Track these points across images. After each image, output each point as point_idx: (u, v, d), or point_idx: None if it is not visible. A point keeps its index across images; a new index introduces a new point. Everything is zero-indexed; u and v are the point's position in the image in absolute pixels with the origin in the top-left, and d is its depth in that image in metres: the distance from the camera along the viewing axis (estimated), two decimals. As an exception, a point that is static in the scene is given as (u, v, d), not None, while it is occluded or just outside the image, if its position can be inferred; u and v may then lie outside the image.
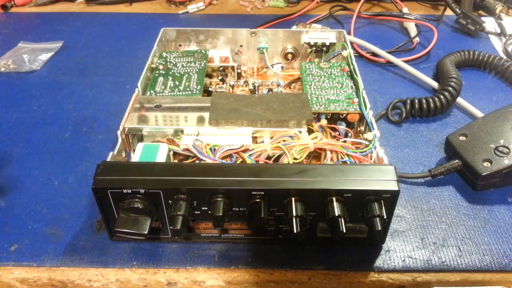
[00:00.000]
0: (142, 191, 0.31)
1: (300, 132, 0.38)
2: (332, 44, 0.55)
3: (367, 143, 0.39)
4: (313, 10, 0.78)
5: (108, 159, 0.35)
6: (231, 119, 0.39)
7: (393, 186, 0.31)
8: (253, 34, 0.55)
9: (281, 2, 0.79)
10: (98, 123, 0.50)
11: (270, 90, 0.51)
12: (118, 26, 0.72)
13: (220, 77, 0.53)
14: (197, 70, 0.49)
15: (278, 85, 0.52)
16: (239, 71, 0.55)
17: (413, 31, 0.69)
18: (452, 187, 0.42)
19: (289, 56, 0.56)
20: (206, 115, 0.40)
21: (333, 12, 0.75)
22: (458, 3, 0.73)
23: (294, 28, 0.66)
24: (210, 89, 0.51)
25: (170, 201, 0.32)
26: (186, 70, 0.49)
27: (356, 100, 0.44)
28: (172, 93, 0.45)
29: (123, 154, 0.38)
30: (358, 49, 0.64)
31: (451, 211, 0.40)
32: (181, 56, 0.51)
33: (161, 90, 0.45)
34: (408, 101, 0.51)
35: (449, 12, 0.73)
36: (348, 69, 0.49)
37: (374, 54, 0.63)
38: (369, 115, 0.41)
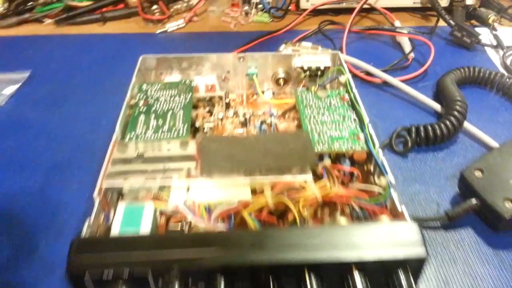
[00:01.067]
0: (126, 273, 0.26)
1: (305, 181, 0.34)
2: (327, 68, 0.50)
3: (381, 190, 0.34)
4: (300, 25, 0.74)
5: (84, 230, 0.29)
6: (225, 169, 0.35)
7: (420, 252, 0.27)
8: (241, 59, 0.51)
9: (266, 17, 0.75)
10: (73, 168, 0.44)
11: (263, 122, 0.47)
12: (91, 50, 0.66)
13: (207, 108, 0.48)
14: (182, 105, 0.44)
15: (271, 115, 0.48)
16: (227, 100, 0.50)
17: (407, 45, 0.65)
18: (471, 229, 0.38)
19: (281, 81, 0.52)
20: (196, 163, 0.35)
21: (322, 27, 0.71)
22: (449, 13, 0.70)
23: (282, 47, 0.62)
24: (197, 124, 0.46)
25: (160, 282, 0.27)
26: (170, 106, 0.44)
27: (361, 136, 0.39)
28: (156, 134, 0.40)
29: (102, 216, 0.33)
30: (351, 68, 0.60)
31: (474, 259, 0.36)
32: (163, 89, 0.46)
33: (143, 132, 0.40)
34: (413, 129, 0.47)
35: (441, 23, 0.70)
36: (348, 98, 0.45)
37: (368, 73, 0.59)
38: (379, 154, 0.37)
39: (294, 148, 0.37)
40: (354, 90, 0.44)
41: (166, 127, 0.41)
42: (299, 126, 0.47)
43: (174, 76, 0.51)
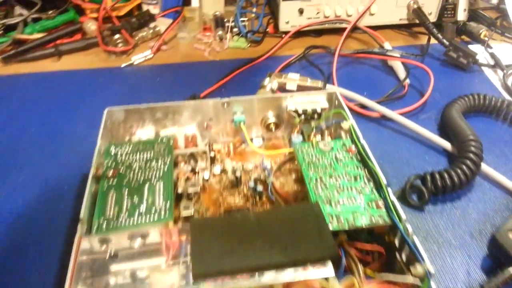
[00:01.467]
0: None
1: (327, 280, 0.27)
2: (323, 110, 0.44)
3: (417, 282, 0.28)
4: (281, 49, 0.67)
5: None
6: (224, 270, 0.27)
7: None
8: (225, 105, 0.44)
9: (243, 42, 0.68)
10: (29, 263, 0.36)
11: (257, 181, 0.40)
12: (46, 92, 0.57)
13: (189, 167, 0.41)
14: (161, 173, 0.36)
15: (265, 170, 0.41)
16: (212, 155, 0.43)
17: (400, 70, 0.60)
18: (511, 302, 0.33)
19: (272, 126, 0.45)
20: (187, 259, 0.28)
21: (307, 52, 0.64)
22: (439, 28, 0.66)
23: (267, 80, 0.55)
24: (179, 188, 0.38)
25: None
26: (146, 176, 0.36)
27: (380, 203, 0.33)
28: (131, 219, 0.32)
29: None
30: (345, 101, 0.54)
31: None
32: (136, 151, 0.38)
33: (115, 216, 0.32)
34: (429, 178, 0.41)
35: (432, 40, 0.65)
36: (356, 150, 0.38)
37: (362, 106, 0.53)
38: (408, 231, 0.30)
39: (305, 230, 0.30)
40: (362, 140, 0.38)
41: (143, 207, 0.33)
42: (297, 179, 0.41)
43: (147, 129, 0.43)
